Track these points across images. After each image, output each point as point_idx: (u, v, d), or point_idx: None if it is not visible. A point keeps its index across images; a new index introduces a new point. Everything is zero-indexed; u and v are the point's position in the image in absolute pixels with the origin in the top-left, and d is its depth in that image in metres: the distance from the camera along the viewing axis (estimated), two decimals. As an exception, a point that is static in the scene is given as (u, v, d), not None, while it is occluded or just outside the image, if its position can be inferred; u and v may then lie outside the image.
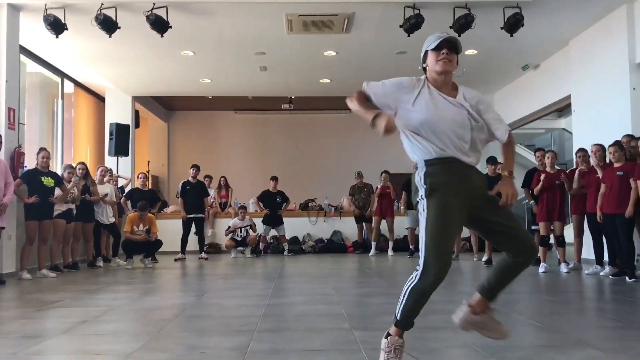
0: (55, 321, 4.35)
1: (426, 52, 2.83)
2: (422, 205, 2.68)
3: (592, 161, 7.28)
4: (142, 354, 3.19)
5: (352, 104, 2.77)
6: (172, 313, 4.63)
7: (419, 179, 2.72)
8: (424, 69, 2.89)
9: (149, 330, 3.90)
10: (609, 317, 4.28)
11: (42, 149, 7.96)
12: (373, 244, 11.41)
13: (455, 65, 2.80)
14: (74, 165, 8.96)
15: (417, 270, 2.64)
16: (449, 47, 2.76)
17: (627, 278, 6.42)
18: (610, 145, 6.90)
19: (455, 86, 2.85)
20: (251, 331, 3.72)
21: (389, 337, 2.69)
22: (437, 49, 2.76)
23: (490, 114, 2.80)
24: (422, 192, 2.69)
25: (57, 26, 7.72)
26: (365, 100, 2.79)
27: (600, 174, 6.98)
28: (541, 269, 7.54)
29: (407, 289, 2.67)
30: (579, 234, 7.88)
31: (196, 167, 10.95)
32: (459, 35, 8.03)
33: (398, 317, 2.69)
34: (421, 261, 2.62)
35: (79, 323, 4.16)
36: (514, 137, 2.89)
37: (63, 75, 11.52)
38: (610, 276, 6.80)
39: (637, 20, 7.86)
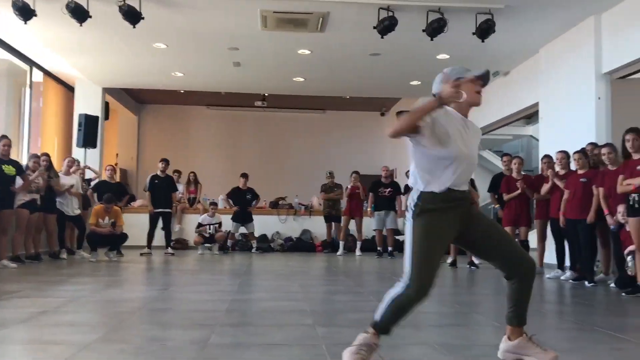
0: (13, 311, 4.26)
1: (458, 79, 2.68)
2: (410, 225, 2.65)
3: (557, 168, 7.43)
4: (100, 345, 3.15)
5: (401, 122, 2.58)
6: (134, 306, 4.58)
7: (411, 201, 2.70)
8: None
9: (109, 322, 3.86)
10: (567, 319, 4.38)
11: (3, 137, 7.80)
12: (341, 244, 11.45)
13: None
14: (39, 155, 8.81)
15: (401, 282, 2.62)
16: (483, 85, 2.78)
17: (586, 282, 6.56)
18: (574, 153, 7.05)
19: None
20: (213, 325, 3.70)
21: (368, 334, 2.67)
22: (476, 79, 2.75)
23: None
24: (410, 214, 2.67)
25: (25, 12, 7.56)
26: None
27: (549, 182, 7.17)
28: (504, 272, 7.66)
29: (390, 297, 2.64)
30: (542, 238, 8.03)
31: (165, 161, 10.83)
32: (432, 39, 8.14)
33: (377, 320, 2.66)
34: (406, 276, 2.60)
35: (37, 313, 4.09)
36: None
37: (32, 63, 11.30)
38: (570, 280, 6.95)
39: (604, 31, 8.04)
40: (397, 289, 2.62)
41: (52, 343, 3.23)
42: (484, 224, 2.78)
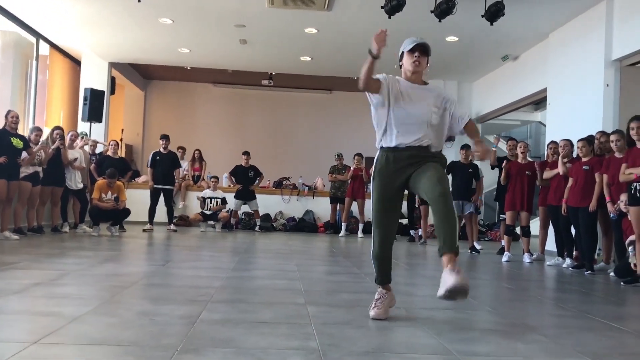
0: (8, 282, 4.28)
1: (402, 52, 3.38)
2: (372, 186, 3.55)
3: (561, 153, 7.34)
4: (90, 317, 3.16)
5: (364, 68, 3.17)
6: (129, 280, 4.60)
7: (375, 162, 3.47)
8: (400, 67, 3.43)
9: (102, 296, 3.87)
10: (561, 306, 4.36)
11: (10, 111, 7.90)
12: (343, 225, 11.45)
13: (424, 66, 3.35)
14: (41, 127, 8.84)
15: None
16: (421, 51, 3.30)
17: (585, 271, 6.53)
18: (578, 140, 6.97)
19: (425, 83, 3.42)
20: (205, 301, 3.71)
21: (378, 289, 3.52)
22: (411, 51, 3.30)
23: (455, 108, 3.39)
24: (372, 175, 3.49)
25: (31, -17, 7.53)
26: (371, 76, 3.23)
27: (558, 167, 7.09)
28: (504, 258, 7.65)
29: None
30: (545, 225, 8.00)
31: (166, 138, 10.80)
32: (440, 21, 8.04)
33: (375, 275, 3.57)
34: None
35: (32, 285, 4.11)
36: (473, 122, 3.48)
37: (39, 36, 11.28)
38: (570, 268, 6.92)
39: (616, 17, 7.92)
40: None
41: (42, 314, 3.25)
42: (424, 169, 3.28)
